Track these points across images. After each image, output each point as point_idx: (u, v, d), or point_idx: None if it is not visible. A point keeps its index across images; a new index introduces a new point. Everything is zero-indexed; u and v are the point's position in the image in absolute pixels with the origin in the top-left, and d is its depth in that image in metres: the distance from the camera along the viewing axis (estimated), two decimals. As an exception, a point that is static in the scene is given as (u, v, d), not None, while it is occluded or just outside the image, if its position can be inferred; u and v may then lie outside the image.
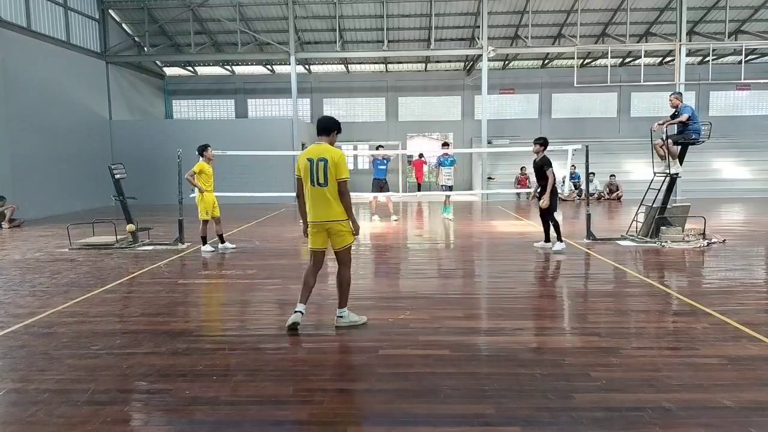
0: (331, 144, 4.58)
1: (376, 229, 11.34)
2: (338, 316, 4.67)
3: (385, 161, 12.79)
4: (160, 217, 13.48)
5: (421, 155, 22.25)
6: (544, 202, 8.24)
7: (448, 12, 19.30)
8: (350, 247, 4.64)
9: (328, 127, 4.56)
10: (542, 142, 8.32)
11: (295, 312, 4.60)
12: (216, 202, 8.72)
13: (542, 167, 8.26)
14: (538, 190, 8.63)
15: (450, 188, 12.72)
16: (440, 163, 12.79)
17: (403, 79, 23.27)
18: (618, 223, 11.88)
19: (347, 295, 4.72)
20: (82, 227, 10.73)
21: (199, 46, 19.54)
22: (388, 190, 12.92)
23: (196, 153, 8.65)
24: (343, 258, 4.65)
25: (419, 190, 20.56)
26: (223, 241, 8.89)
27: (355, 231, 4.60)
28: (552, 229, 8.44)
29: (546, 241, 8.56)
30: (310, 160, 4.42)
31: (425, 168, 22.50)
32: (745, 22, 19.82)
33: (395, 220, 12.70)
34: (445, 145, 13.14)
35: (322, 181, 4.38)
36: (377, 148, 13.50)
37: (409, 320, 4.86)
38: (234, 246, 8.98)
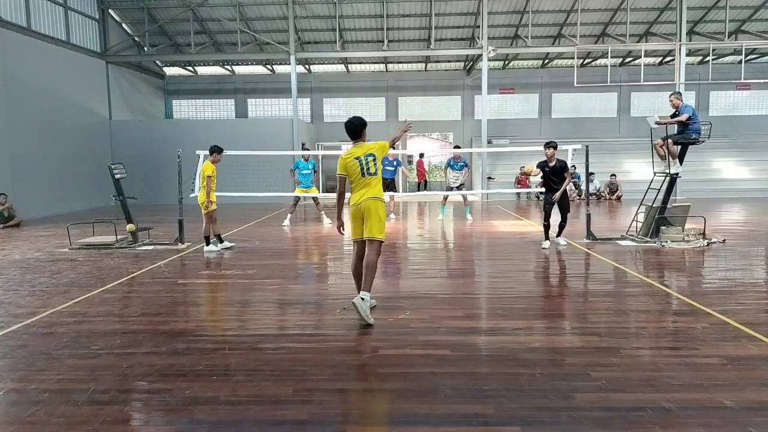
0: (365, 140, 5.10)
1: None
2: (361, 297, 4.76)
3: (394, 162, 12.72)
4: (160, 217, 13.48)
5: (421, 155, 22.26)
6: (557, 197, 8.55)
7: (448, 12, 19.30)
8: (381, 242, 4.97)
9: (358, 130, 5.03)
10: (555, 145, 8.54)
11: (362, 300, 4.78)
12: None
13: (563, 171, 8.53)
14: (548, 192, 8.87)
15: (458, 188, 12.63)
16: (449, 166, 12.78)
17: (403, 79, 23.27)
18: (618, 223, 11.88)
19: (371, 280, 4.86)
20: (82, 227, 10.72)
21: (199, 46, 19.55)
22: (394, 190, 12.87)
23: (208, 153, 8.79)
24: (373, 245, 4.94)
25: (424, 188, 20.53)
26: (219, 241, 8.89)
27: (406, 128, 5.65)
28: (558, 226, 8.88)
29: (557, 236, 8.93)
30: (358, 158, 4.94)
31: (426, 167, 22.57)
32: (745, 22, 19.82)
33: (393, 219, 12.72)
34: (457, 148, 13.01)
35: (373, 171, 4.98)
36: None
37: (409, 320, 4.85)
38: (229, 245, 8.98)
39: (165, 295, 5.97)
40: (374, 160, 4.95)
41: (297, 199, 12.19)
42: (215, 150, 8.66)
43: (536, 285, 6.55)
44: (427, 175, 22.73)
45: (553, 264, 7.64)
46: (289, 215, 12.17)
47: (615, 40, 19.45)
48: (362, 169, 4.91)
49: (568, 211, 8.84)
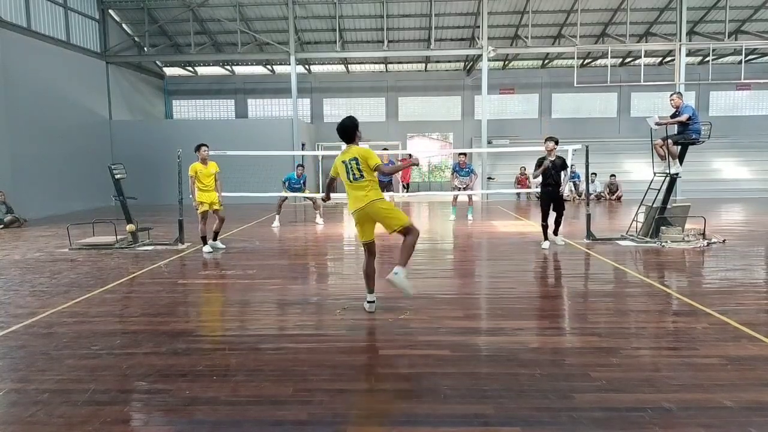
0: (357, 144, 5.00)
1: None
2: (394, 272, 4.78)
3: (389, 164, 12.77)
4: (160, 217, 13.48)
5: (410, 155, 22.15)
6: (564, 188, 8.59)
7: (448, 12, 19.30)
8: (408, 224, 4.87)
9: (348, 133, 4.94)
10: (556, 140, 8.57)
11: (369, 303, 5.10)
12: (216, 201, 8.72)
13: (563, 166, 8.54)
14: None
15: (464, 188, 12.69)
16: (455, 171, 12.88)
17: (403, 79, 23.27)
18: (618, 223, 11.87)
19: (407, 257, 4.88)
20: (82, 227, 10.72)
21: (199, 46, 19.55)
22: (392, 191, 12.93)
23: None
24: (404, 231, 4.86)
25: (407, 190, 20.51)
26: (215, 239, 8.88)
27: (415, 161, 5.22)
28: (554, 222, 8.83)
29: (554, 233, 8.89)
30: (344, 162, 4.89)
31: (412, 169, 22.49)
32: (745, 22, 19.82)
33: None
34: (463, 155, 13.00)
35: (357, 176, 4.87)
36: (383, 150, 13.54)
37: (409, 320, 4.86)
38: (224, 247, 8.98)
39: (165, 295, 5.97)
40: (357, 164, 4.81)
41: (283, 199, 12.41)
42: (196, 148, 8.64)
43: (536, 285, 6.55)
44: (409, 178, 22.52)
45: (553, 264, 7.63)
46: (277, 216, 12.22)
47: (615, 40, 19.45)
48: (348, 173, 4.86)
49: (564, 208, 8.75)
